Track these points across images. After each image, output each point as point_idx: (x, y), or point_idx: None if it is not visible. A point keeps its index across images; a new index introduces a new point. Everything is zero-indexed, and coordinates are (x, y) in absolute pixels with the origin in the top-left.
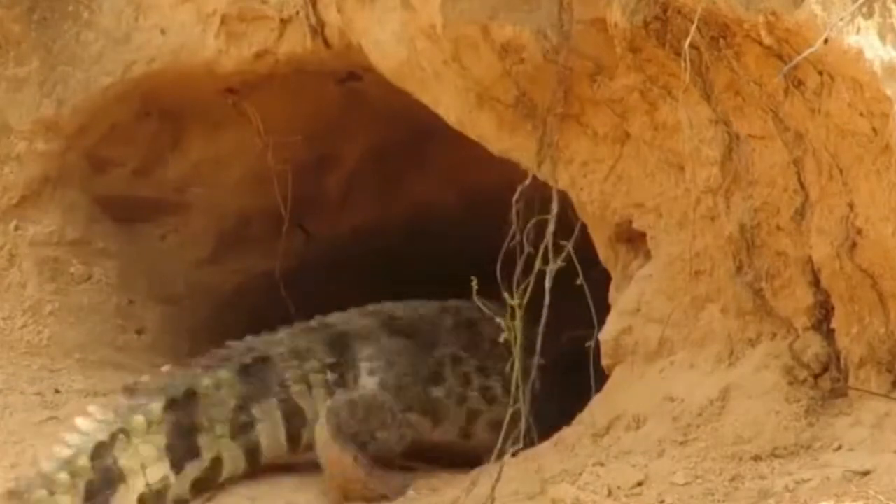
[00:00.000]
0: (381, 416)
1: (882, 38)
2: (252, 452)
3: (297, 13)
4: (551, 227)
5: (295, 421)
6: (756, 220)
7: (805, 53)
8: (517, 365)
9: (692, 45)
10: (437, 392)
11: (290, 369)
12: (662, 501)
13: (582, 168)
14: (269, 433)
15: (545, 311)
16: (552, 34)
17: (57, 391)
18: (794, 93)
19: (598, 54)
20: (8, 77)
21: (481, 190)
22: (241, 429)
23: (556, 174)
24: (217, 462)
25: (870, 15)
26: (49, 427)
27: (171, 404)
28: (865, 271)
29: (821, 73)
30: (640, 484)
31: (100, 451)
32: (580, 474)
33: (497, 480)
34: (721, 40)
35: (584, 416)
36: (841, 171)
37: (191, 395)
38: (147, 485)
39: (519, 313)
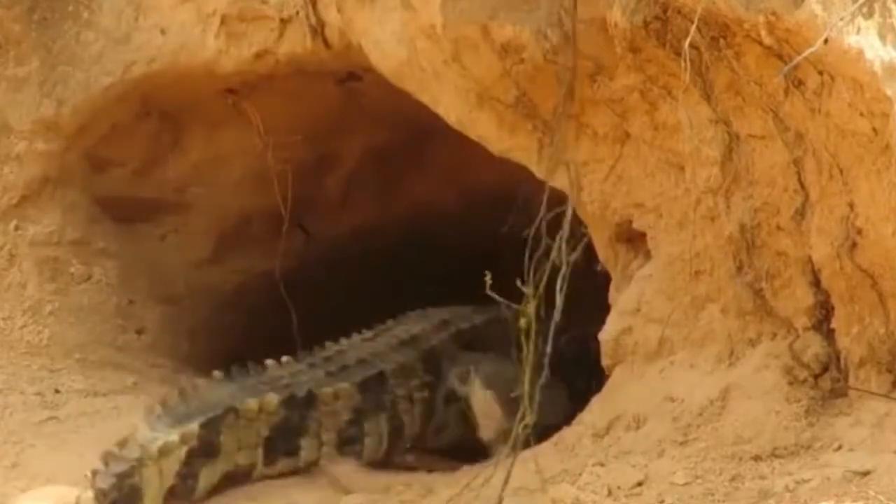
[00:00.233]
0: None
1: (882, 38)
2: None
3: (297, 13)
4: (569, 215)
5: (394, 436)
6: (756, 220)
7: (805, 53)
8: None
9: (692, 45)
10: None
11: (399, 386)
12: (662, 501)
13: (582, 168)
14: (373, 447)
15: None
16: (552, 34)
17: (57, 391)
18: (794, 93)
19: (598, 54)
20: (8, 77)
21: (481, 190)
22: (348, 441)
23: (557, 174)
24: (311, 465)
25: (870, 15)
26: (49, 427)
27: (290, 400)
28: (865, 271)
29: (821, 73)
30: (640, 484)
31: (210, 422)
32: (580, 474)
33: (506, 483)
34: (721, 40)
35: (584, 416)
36: (841, 171)
37: (311, 399)
38: (236, 465)
39: (533, 303)
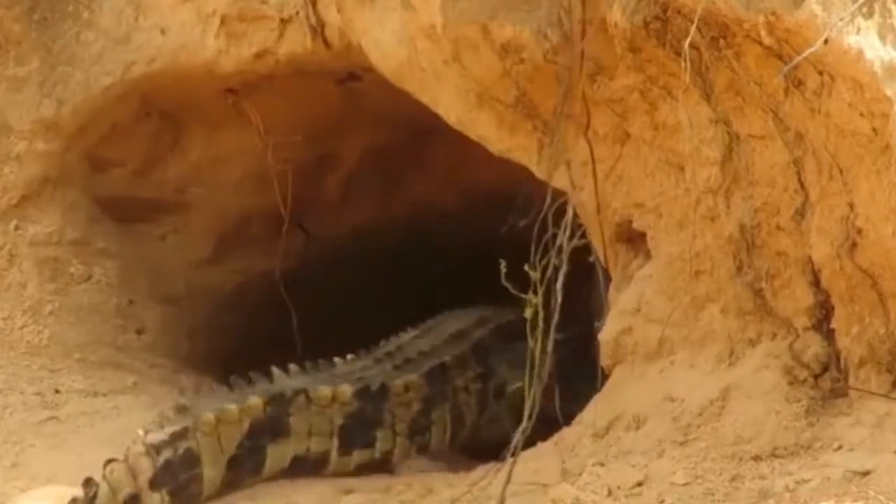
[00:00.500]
0: None
1: (882, 38)
2: (421, 452)
3: (297, 13)
4: (570, 212)
5: (457, 426)
6: (756, 220)
7: (805, 53)
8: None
9: (692, 45)
10: None
11: (459, 377)
12: (662, 501)
13: (582, 168)
14: (438, 437)
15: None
16: (552, 34)
17: (57, 391)
18: (794, 93)
19: (599, 54)
20: (8, 77)
21: (481, 190)
22: (419, 430)
23: (557, 174)
24: (388, 454)
25: (870, 15)
26: (49, 427)
27: (363, 392)
28: (865, 271)
29: (821, 73)
30: (640, 484)
31: (277, 400)
32: (580, 474)
33: (507, 482)
34: (721, 40)
35: (585, 416)
36: (841, 171)
37: (384, 390)
38: (308, 449)
39: (541, 289)
